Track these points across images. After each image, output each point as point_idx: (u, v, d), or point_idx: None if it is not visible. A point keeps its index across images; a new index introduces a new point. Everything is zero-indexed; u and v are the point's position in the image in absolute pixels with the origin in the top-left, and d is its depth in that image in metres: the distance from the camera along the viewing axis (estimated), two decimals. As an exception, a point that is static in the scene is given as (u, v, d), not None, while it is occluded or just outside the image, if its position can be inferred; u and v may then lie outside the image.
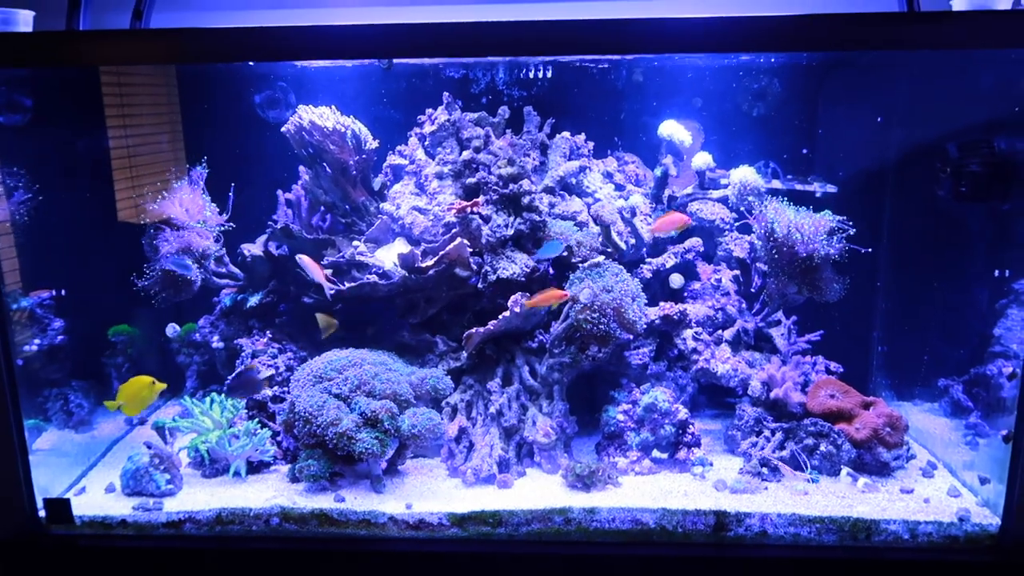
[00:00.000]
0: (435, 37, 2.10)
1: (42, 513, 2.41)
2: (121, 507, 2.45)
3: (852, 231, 2.72)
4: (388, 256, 2.88)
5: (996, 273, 2.68)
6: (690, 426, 2.68)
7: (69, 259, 2.90)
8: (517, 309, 2.67)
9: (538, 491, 2.53)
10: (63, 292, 2.86)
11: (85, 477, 2.68)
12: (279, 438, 2.73)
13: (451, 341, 2.88)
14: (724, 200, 3.12)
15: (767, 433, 2.70)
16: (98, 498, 2.53)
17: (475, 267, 2.82)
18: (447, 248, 2.76)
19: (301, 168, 3.07)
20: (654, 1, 2.53)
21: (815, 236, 2.71)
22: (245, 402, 2.80)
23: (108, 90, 2.95)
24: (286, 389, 2.77)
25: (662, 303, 2.94)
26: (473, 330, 2.75)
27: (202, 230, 2.91)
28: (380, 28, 2.09)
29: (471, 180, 2.90)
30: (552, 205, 2.99)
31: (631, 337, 2.82)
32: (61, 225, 2.76)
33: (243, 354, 2.93)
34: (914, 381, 3.03)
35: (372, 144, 3.02)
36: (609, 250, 2.92)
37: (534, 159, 3.03)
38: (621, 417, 2.70)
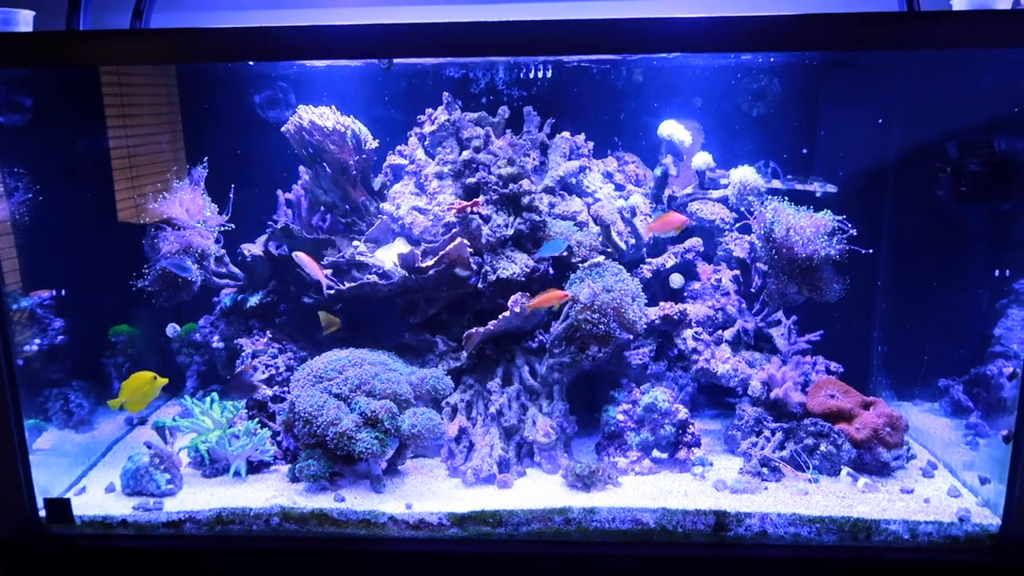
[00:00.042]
0: (435, 37, 2.10)
1: (42, 513, 2.41)
2: (121, 507, 2.45)
3: (854, 232, 2.72)
4: (388, 256, 2.88)
5: (996, 273, 2.68)
6: (690, 426, 2.68)
7: (69, 259, 2.90)
8: (517, 309, 2.67)
9: (538, 491, 2.53)
10: (63, 292, 2.86)
11: (85, 477, 2.68)
12: (279, 438, 2.73)
13: (451, 341, 2.88)
14: (724, 200, 3.12)
15: (767, 433, 2.70)
16: (98, 498, 2.53)
17: (475, 267, 2.82)
18: (447, 248, 2.76)
19: (301, 168, 3.07)
20: (654, 1, 2.53)
21: (815, 237, 2.71)
22: (245, 402, 2.80)
23: (108, 90, 2.95)
24: (286, 389, 2.77)
25: (662, 303, 2.94)
26: (473, 330, 2.75)
27: (202, 230, 2.91)
28: (380, 28, 2.09)
29: (471, 180, 2.90)
30: (552, 205, 2.99)
31: (631, 337, 2.82)
32: (61, 225, 2.76)
33: (243, 354, 2.93)
34: (914, 381, 3.03)
35: (372, 144, 3.02)
36: (609, 250, 2.92)
37: (534, 159, 3.04)
38: (621, 417, 2.70)
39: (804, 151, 3.10)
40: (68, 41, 2.20)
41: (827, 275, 2.78)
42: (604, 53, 2.73)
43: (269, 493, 2.52)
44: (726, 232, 3.12)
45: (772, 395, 2.74)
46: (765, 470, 2.58)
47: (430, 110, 3.10)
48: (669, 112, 3.11)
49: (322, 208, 3.09)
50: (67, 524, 2.40)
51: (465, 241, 2.79)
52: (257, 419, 2.76)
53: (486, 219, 2.83)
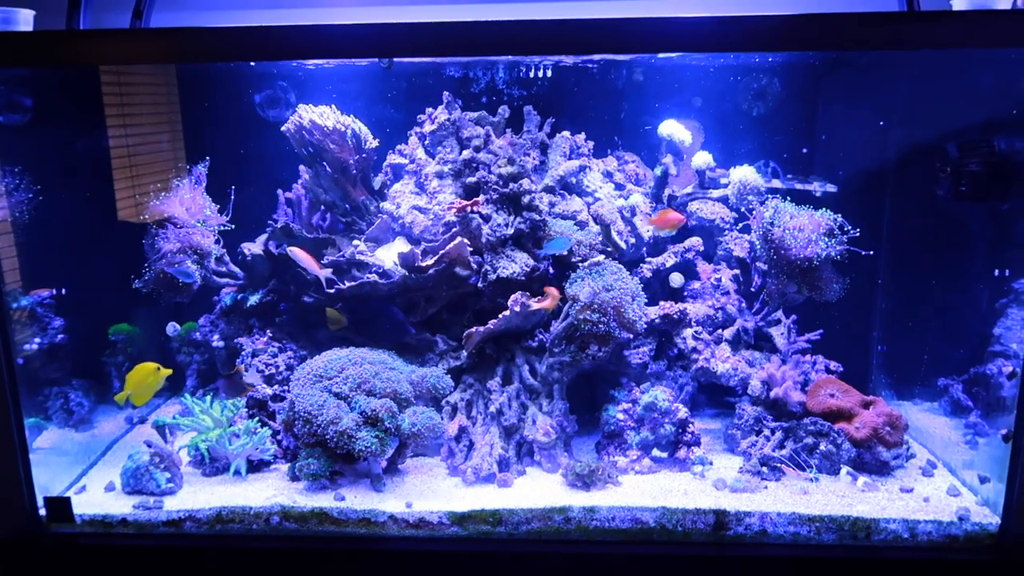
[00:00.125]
0: (435, 36, 2.11)
1: (42, 512, 2.41)
2: (121, 506, 2.45)
3: (856, 233, 2.72)
4: (388, 255, 2.88)
5: (996, 272, 2.68)
6: (690, 425, 2.68)
7: (69, 258, 2.90)
8: (517, 308, 2.67)
9: (538, 490, 2.53)
10: (63, 291, 2.86)
11: (85, 476, 2.68)
12: (279, 437, 2.73)
13: (451, 340, 2.88)
14: (724, 199, 3.12)
15: (767, 432, 2.71)
16: (98, 497, 2.53)
17: (475, 266, 2.83)
18: (447, 247, 2.77)
19: (301, 167, 3.07)
20: (654, 0, 2.53)
21: (814, 238, 2.71)
22: (245, 401, 2.80)
23: (108, 89, 2.95)
24: (286, 388, 2.78)
25: (662, 302, 2.95)
26: (473, 329, 2.75)
27: (202, 229, 2.91)
28: (380, 27, 2.09)
29: (471, 179, 2.90)
30: (552, 204, 2.99)
31: (631, 336, 2.82)
32: (61, 224, 2.77)
33: (243, 353, 2.93)
34: (914, 380, 3.03)
35: (372, 143, 3.02)
36: (609, 249, 2.92)
37: (534, 158, 3.04)
38: (621, 416, 2.70)
39: (804, 151, 3.10)
40: (68, 41, 2.20)
41: (827, 274, 2.79)
42: (604, 53, 2.73)
43: (269, 492, 2.52)
44: (726, 231, 3.13)
45: (772, 394, 2.74)
46: (765, 469, 2.59)
47: (430, 109, 3.10)
48: (669, 111, 3.11)
49: (322, 207, 3.09)
50: (67, 523, 2.40)
51: (465, 240, 2.79)
52: (257, 418, 2.76)
53: (486, 218, 2.83)
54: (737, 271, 3.09)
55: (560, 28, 2.06)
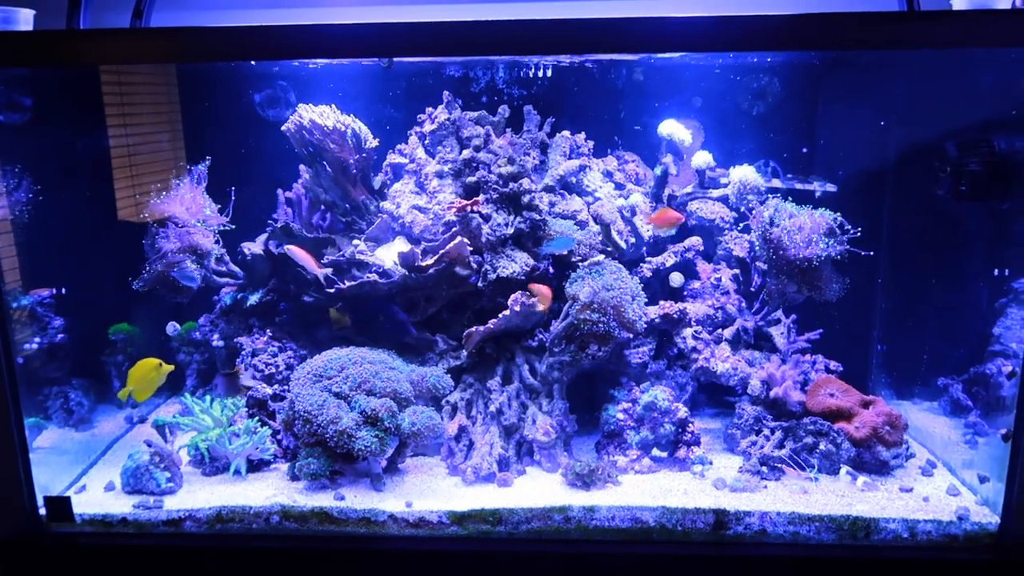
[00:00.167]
0: (435, 36, 2.11)
1: (42, 511, 2.41)
2: (121, 505, 2.45)
3: (857, 233, 2.72)
4: (388, 255, 2.88)
5: (995, 272, 2.68)
6: (690, 425, 2.68)
7: (69, 258, 2.90)
8: (517, 308, 2.68)
9: (538, 489, 2.53)
10: (63, 291, 2.87)
11: (85, 475, 2.68)
12: (279, 436, 2.74)
13: (451, 340, 2.89)
14: (724, 199, 3.12)
15: (767, 432, 2.71)
16: (98, 496, 2.53)
17: (475, 266, 2.83)
18: (447, 247, 2.77)
19: (301, 167, 3.07)
20: (654, 0, 2.53)
21: (813, 239, 2.71)
22: (245, 400, 2.80)
23: (108, 89, 2.95)
24: (286, 387, 2.78)
25: (662, 302, 2.95)
26: (473, 329, 2.75)
27: (203, 229, 2.91)
28: (380, 27, 2.09)
29: (471, 179, 2.90)
30: (552, 204, 2.99)
31: (631, 336, 2.82)
32: (61, 224, 2.77)
33: (243, 352, 2.93)
34: (913, 380, 3.03)
35: (372, 143, 3.02)
36: (609, 249, 2.92)
37: (534, 158, 3.04)
38: (621, 416, 2.70)
39: (804, 150, 3.10)
40: (68, 40, 2.20)
41: (827, 274, 2.79)
42: (604, 52, 2.73)
43: (269, 491, 2.52)
44: (726, 231, 3.13)
45: (772, 394, 2.74)
46: (764, 469, 2.59)
47: (430, 109, 3.10)
48: (669, 111, 3.11)
49: (322, 207, 3.09)
50: (67, 522, 2.40)
51: (465, 240, 2.79)
52: (257, 417, 2.76)
53: (486, 218, 2.83)
54: (737, 271, 3.09)
55: (560, 28, 2.06)
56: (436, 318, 2.93)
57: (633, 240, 2.97)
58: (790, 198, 2.83)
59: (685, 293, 3.08)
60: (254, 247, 3.04)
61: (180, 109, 3.21)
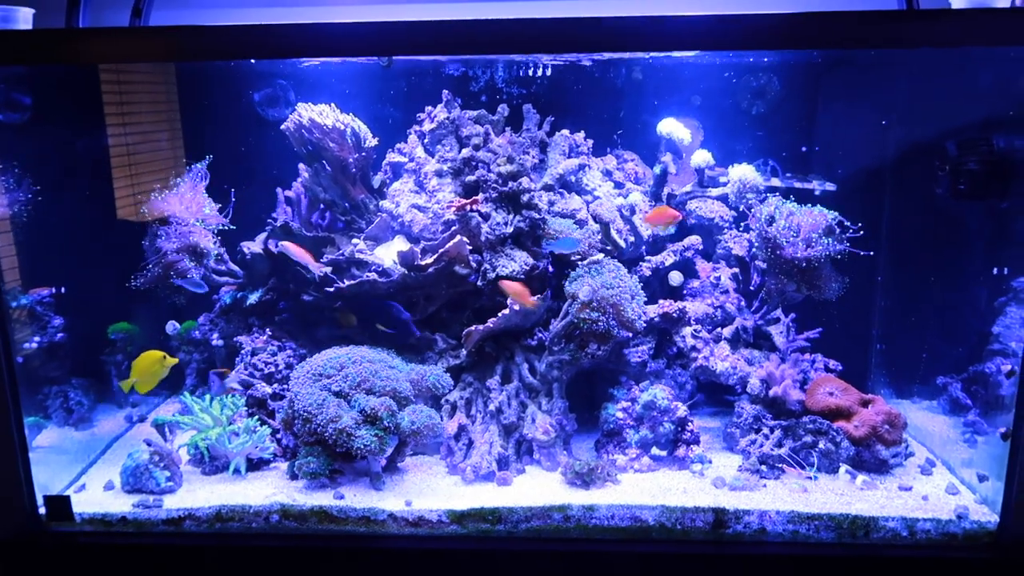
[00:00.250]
0: (434, 35, 2.10)
1: (42, 510, 2.41)
2: (121, 504, 2.45)
3: (857, 231, 2.71)
4: (388, 254, 2.88)
5: (995, 271, 2.68)
6: (689, 423, 2.68)
7: (68, 257, 2.90)
8: (516, 307, 2.68)
9: (537, 488, 2.53)
10: (63, 290, 2.87)
11: (85, 474, 2.68)
12: (279, 435, 2.74)
13: (450, 339, 2.89)
14: (723, 198, 3.12)
15: (766, 431, 2.71)
16: (98, 495, 2.53)
17: (474, 265, 2.83)
18: (446, 246, 2.77)
19: (301, 166, 3.07)
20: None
21: (811, 239, 2.71)
22: (245, 399, 2.80)
23: (107, 88, 2.95)
24: (285, 386, 2.78)
25: (661, 301, 2.95)
26: (472, 328, 2.75)
27: (202, 229, 2.91)
28: (379, 26, 2.09)
29: (470, 178, 2.90)
30: (551, 203, 2.99)
31: (630, 335, 2.82)
32: (60, 223, 2.76)
33: (243, 351, 2.93)
34: (913, 379, 3.04)
35: (372, 142, 3.02)
36: (608, 248, 2.92)
37: (533, 157, 3.04)
38: (620, 415, 2.71)
39: (803, 149, 3.11)
40: (67, 39, 2.20)
41: (826, 273, 2.79)
42: (603, 51, 2.73)
43: (269, 490, 2.52)
44: (725, 230, 3.13)
45: (771, 393, 2.74)
46: (764, 467, 2.59)
47: (430, 108, 3.10)
48: (668, 110, 3.11)
49: (322, 206, 3.09)
50: (67, 521, 2.40)
51: (464, 239, 2.79)
52: (256, 416, 2.76)
53: (485, 217, 2.83)
54: (736, 270, 3.09)
55: (559, 27, 2.06)
56: (435, 317, 2.93)
57: (632, 239, 2.98)
58: (791, 197, 2.83)
59: (684, 292, 3.08)
60: (253, 246, 3.04)
61: (179, 108, 3.20)
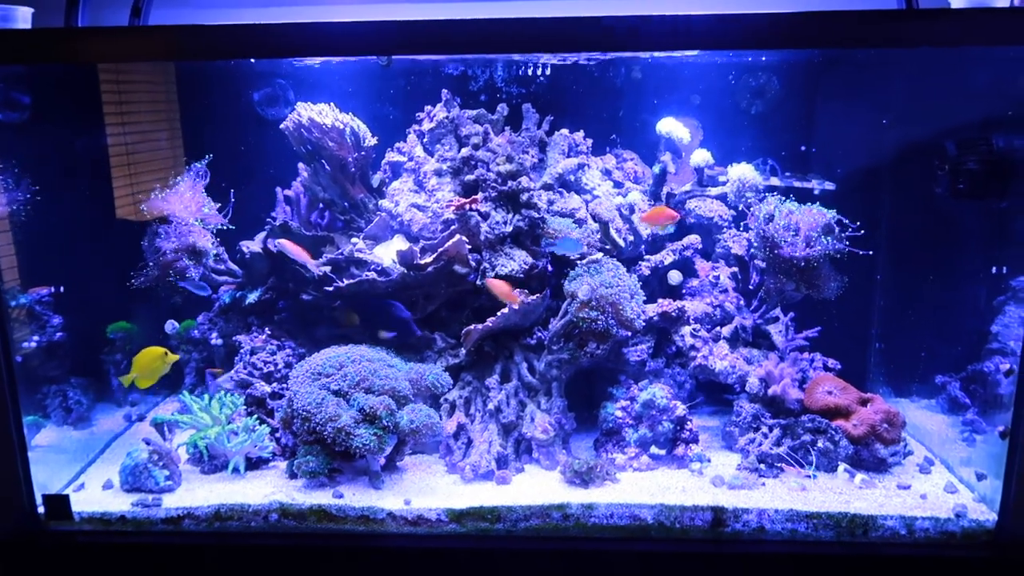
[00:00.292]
0: (433, 34, 2.10)
1: (41, 509, 2.41)
2: (120, 503, 2.45)
3: (857, 229, 2.72)
4: (387, 253, 2.88)
5: (993, 270, 2.68)
6: (688, 422, 2.68)
7: (68, 256, 2.90)
8: (516, 306, 2.68)
9: (536, 487, 2.53)
10: (62, 289, 2.86)
11: (84, 473, 2.68)
12: (278, 434, 2.74)
13: (450, 338, 2.89)
14: (723, 197, 3.12)
15: (765, 429, 2.71)
16: (97, 494, 2.53)
17: (474, 264, 2.83)
18: (446, 245, 2.77)
19: (300, 165, 3.07)
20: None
21: (815, 236, 2.71)
22: (244, 398, 2.80)
23: (106, 87, 2.95)
24: (284, 385, 2.78)
25: (660, 300, 2.95)
26: (472, 327, 2.75)
27: (200, 228, 2.91)
28: (378, 25, 2.09)
29: (470, 177, 2.90)
30: (551, 202, 2.99)
31: (629, 334, 2.82)
32: (59, 222, 2.76)
33: (242, 351, 2.93)
34: (911, 378, 3.04)
35: (371, 141, 3.02)
36: (607, 247, 2.93)
37: (533, 156, 3.04)
38: (619, 413, 2.71)
39: (802, 148, 3.11)
40: (66, 38, 2.20)
41: (825, 272, 2.79)
42: (602, 51, 2.73)
43: (268, 489, 2.52)
44: (724, 229, 3.13)
45: (770, 392, 2.75)
46: (762, 466, 2.59)
47: (429, 107, 3.10)
48: (668, 109, 3.11)
49: (321, 205, 3.09)
50: (66, 520, 2.40)
51: (464, 238, 2.79)
52: (256, 415, 2.76)
53: (485, 216, 2.83)
54: (735, 269, 3.09)
55: (558, 26, 2.06)
56: (435, 316, 2.94)
57: (631, 238, 2.98)
58: (791, 196, 2.83)
59: (683, 291, 3.08)
60: (253, 245, 3.04)
61: (179, 107, 3.20)
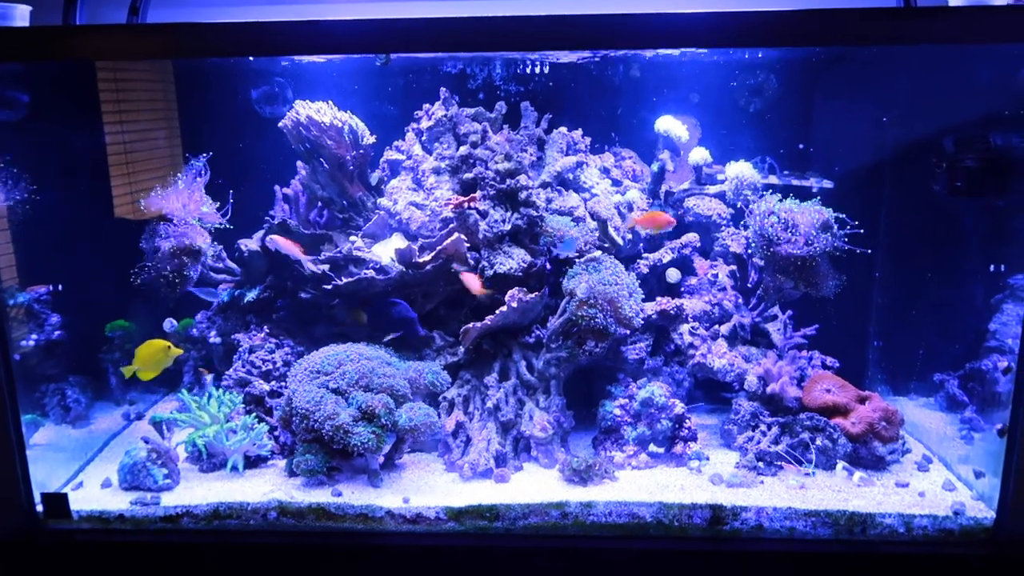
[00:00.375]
0: (431, 32, 2.10)
1: (40, 508, 2.41)
2: (119, 502, 2.45)
3: (856, 226, 2.72)
4: (385, 251, 2.88)
5: (991, 268, 2.69)
6: (686, 420, 2.68)
7: (66, 255, 2.90)
8: (514, 304, 2.68)
9: (535, 485, 2.53)
10: (60, 287, 2.86)
11: (83, 472, 2.68)
12: (276, 433, 2.74)
13: (448, 336, 2.89)
14: (721, 195, 3.12)
15: (763, 427, 2.71)
16: (95, 493, 2.53)
17: (472, 262, 2.83)
18: (444, 243, 2.77)
19: (298, 163, 3.06)
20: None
21: (814, 234, 2.71)
22: (242, 397, 2.80)
23: (104, 85, 2.95)
24: (283, 384, 2.78)
25: (659, 298, 2.95)
26: (470, 325, 2.75)
27: (198, 227, 2.91)
28: (377, 23, 2.09)
29: (468, 175, 2.90)
30: (549, 200, 2.99)
31: (628, 332, 2.83)
32: (58, 221, 2.76)
33: (240, 349, 2.93)
34: (910, 376, 3.04)
35: (369, 139, 3.02)
36: (606, 245, 2.93)
37: (531, 155, 3.04)
38: (618, 412, 2.71)
39: (800, 146, 3.11)
40: (64, 36, 2.20)
41: (823, 270, 2.79)
42: (601, 49, 2.72)
43: (266, 487, 2.52)
44: (723, 227, 3.13)
45: (768, 390, 2.75)
46: (761, 464, 2.59)
47: (427, 106, 3.10)
48: (666, 108, 3.11)
49: (319, 203, 3.09)
50: (64, 519, 2.40)
51: (462, 236, 2.79)
52: (254, 414, 2.76)
53: (483, 214, 2.83)
54: (734, 267, 3.10)
55: (557, 24, 2.06)
56: (433, 314, 2.94)
57: (630, 236, 2.98)
58: (792, 195, 2.83)
59: (682, 289, 3.08)
60: (251, 244, 3.03)
61: (177, 106, 3.20)
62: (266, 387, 2.82)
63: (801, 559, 2.31)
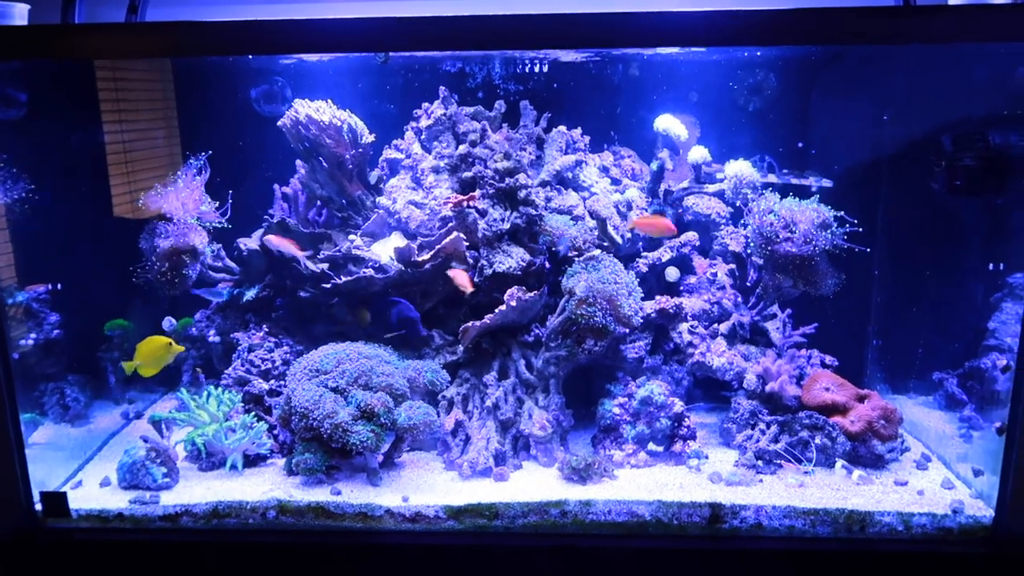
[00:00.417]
0: (431, 30, 2.10)
1: (39, 507, 2.41)
2: (118, 500, 2.45)
3: (855, 225, 2.72)
4: (384, 250, 2.88)
5: (990, 267, 2.69)
6: (686, 419, 2.69)
7: (65, 254, 2.90)
8: (513, 303, 2.68)
9: (534, 484, 2.53)
10: (59, 286, 2.86)
11: (82, 471, 2.68)
12: (276, 431, 2.74)
13: (447, 335, 2.89)
14: (720, 194, 3.12)
15: (762, 426, 2.71)
16: (94, 492, 2.53)
17: (471, 261, 2.83)
18: (443, 242, 2.77)
19: (297, 162, 3.06)
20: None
21: (814, 232, 2.71)
22: (242, 395, 2.80)
23: (103, 84, 2.95)
24: (282, 383, 2.78)
25: (658, 297, 2.95)
26: (469, 324, 2.75)
27: (197, 226, 2.91)
28: (376, 21, 2.09)
29: (467, 174, 2.90)
30: (548, 199, 2.99)
31: (627, 331, 2.83)
32: (57, 220, 2.76)
33: (240, 348, 2.93)
34: (909, 374, 3.04)
35: (368, 138, 3.02)
36: (605, 244, 2.93)
37: (530, 153, 3.04)
38: (617, 410, 2.71)
39: (799, 145, 3.11)
40: (63, 35, 2.20)
41: (822, 269, 2.79)
42: (600, 47, 2.72)
43: (266, 486, 2.52)
44: (722, 226, 3.13)
45: (767, 388, 2.75)
46: (760, 463, 2.59)
47: (426, 104, 3.10)
48: (665, 106, 3.11)
49: (318, 202, 3.09)
50: (63, 518, 2.40)
51: (461, 235, 2.79)
52: (253, 413, 2.76)
53: (482, 213, 2.83)
54: (733, 266, 3.10)
55: (557, 23, 2.06)
56: (432, 313, 2.93)
57: (629, 235, 2.98)
58: (791, 194, 2.83)
59: (681, 288, 3.08)
60: (250, 243, 3.03)
61: (176, 104, 3.20)
62: (265, 386, 2.82)
63: (800, 557, 2.31)
